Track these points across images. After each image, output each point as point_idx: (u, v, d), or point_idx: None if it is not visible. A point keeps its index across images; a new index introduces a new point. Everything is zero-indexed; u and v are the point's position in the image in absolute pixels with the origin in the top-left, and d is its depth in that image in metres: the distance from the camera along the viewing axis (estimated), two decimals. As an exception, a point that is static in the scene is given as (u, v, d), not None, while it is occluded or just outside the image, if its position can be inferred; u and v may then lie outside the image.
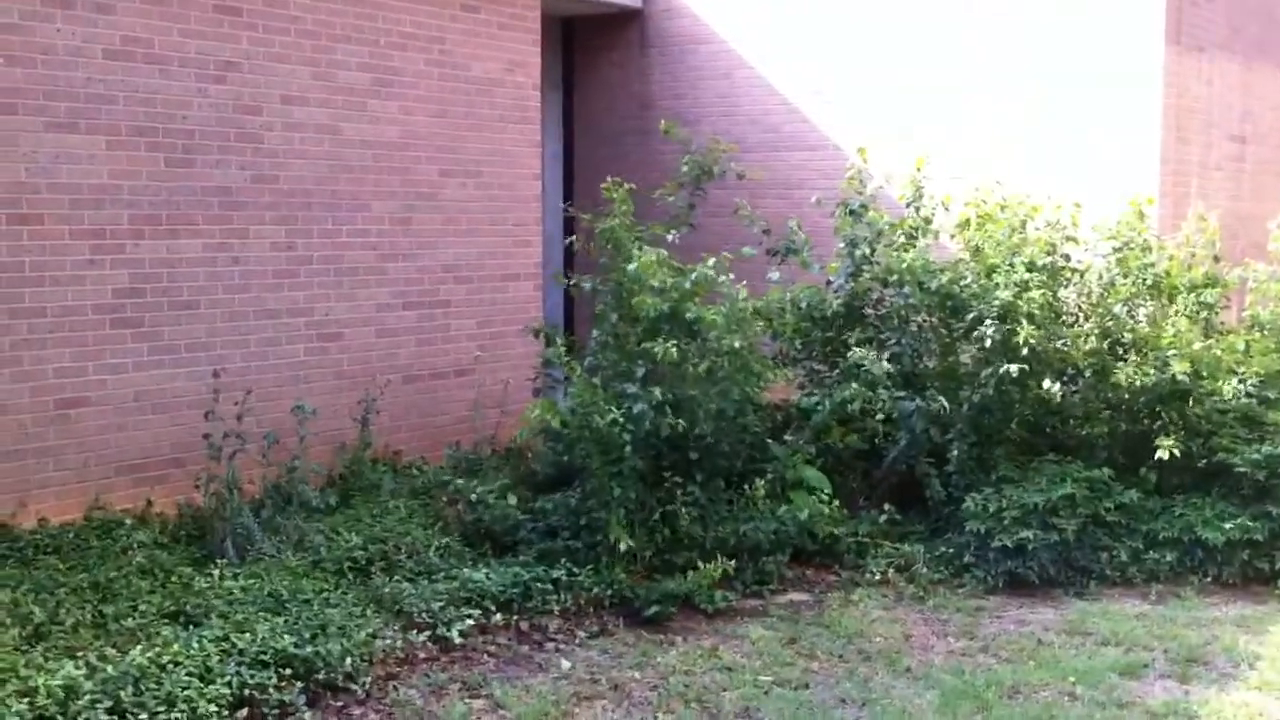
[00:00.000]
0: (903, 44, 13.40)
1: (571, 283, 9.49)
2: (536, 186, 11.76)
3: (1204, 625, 8.17)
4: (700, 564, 8.34)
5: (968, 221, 10.56)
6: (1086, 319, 10.28)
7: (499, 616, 7.77)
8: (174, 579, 7.52)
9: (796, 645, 7.78)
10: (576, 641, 7.78)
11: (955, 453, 9.48)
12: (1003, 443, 9.79)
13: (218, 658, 6.47)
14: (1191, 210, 11.70)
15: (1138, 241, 10.42)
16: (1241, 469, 9.09)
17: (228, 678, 6.33)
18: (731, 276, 9.08)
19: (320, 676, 6.67)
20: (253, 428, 8.67)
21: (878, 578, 8.98)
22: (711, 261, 8.94)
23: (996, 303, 9.50)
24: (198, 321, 9.08)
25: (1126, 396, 9.55)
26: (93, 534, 8.09)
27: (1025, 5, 12.82)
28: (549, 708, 6.74)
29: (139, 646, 6.41)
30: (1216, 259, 10.87)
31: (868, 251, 10.47)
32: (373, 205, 10.24)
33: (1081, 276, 10.32)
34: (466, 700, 6.82)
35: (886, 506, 9.60)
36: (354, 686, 6.76)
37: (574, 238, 9.34)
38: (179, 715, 6.00)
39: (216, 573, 7.63)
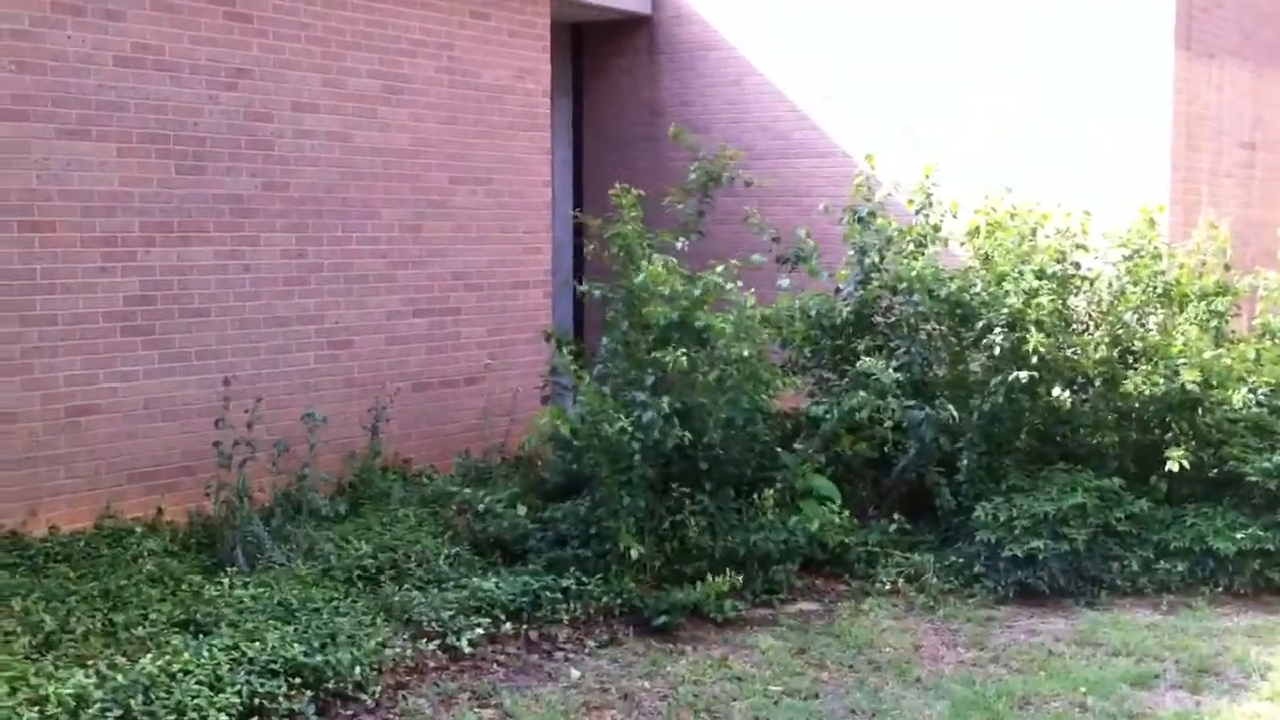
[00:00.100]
0: (908, 45, 13.41)
1: (583, 288, 9.48)
2: (546, 193, 11.76)
3: (1215, 636, 8.15)
4: (709, 574, 8.33)
5: (977, 229, 10.56)
6: (1097, 327, 10.27)
7: (508, 625, 7.75)
8: (184, 587, 7.52)
9: (806, 655, 7.77)
10: (586, 651, 7.77)
11: (965, 462, 9.46)
12: (1013, 452, 9.79)
13: (228, 666, 6.45)
14: (1202, 218, 11.69)
15: (1148, 249, 10.41)
16: (1253, 478, 9.07)
17: (238, 686, 6.32)
18: (740, 284, 9.07)
19: (330, 685, 6.66)
20: (263, 435, 8.67)
21: (888, 587, 8.96)
22: (720, 269, 8.94)
23: (1005, 310, 9.50)
24: (208, 329, 9.09)
25: (1136, 405, 9.53)
26: (103, 542, 8.09)
27: (1033, 10, 12.81)
28: (558, 717, 6.73)
29: (149, 655, 6.40)
30: (1227, 267, 10.86)
31: (877, 259, 10.47)
32: (383, 212, 10.24)
33: (1092, 284, 10.30)
34: (476, 709, 6.81)
35: (896, 516, 9.58)
36: (363, 695, 6.75)
37: (591, 246, 9.31)
38: (189, 724, 6.01)
39: (226, 581, 7.63)
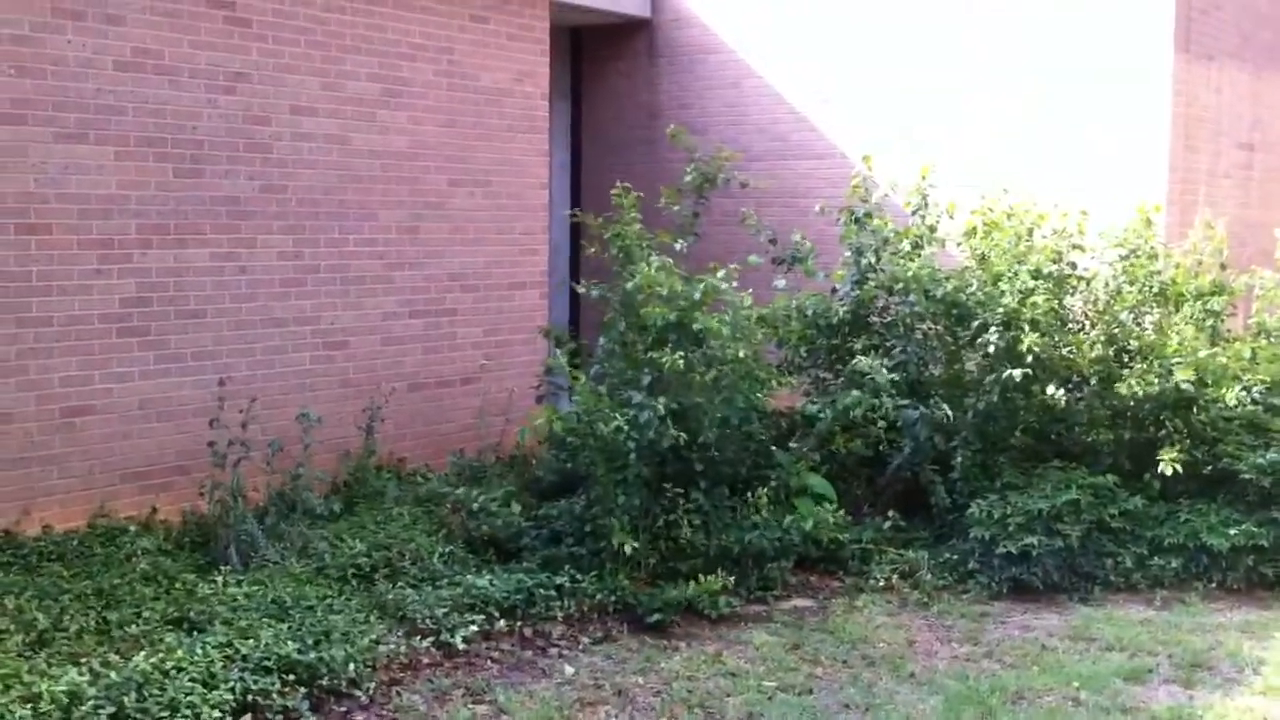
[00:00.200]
0: (907, 49, 13.41)
1: (581, 289, 9.51)
2: (544, 196, 11.80)
3: (1208, 631, 8.16)
4: (704, 571, 8.36)
5: (974, 230, 10.59)
6: (1093, 326, 10.28)
7: (503, 623, 7.78)
8: (178, 586, 7.54)
9: (800, 651, 7.78)
10: (580, 647, 7.79)
11: (960, 459, 9.49)
12: (1007, 449, 9.81)
13: (221, 664, 6.47)
14: (1199, 218, 11.69)
15: (1145, 249, 10.43)
16: (1247, 475, 9.09)
17: (231, 684, 6.34)
18: (736, 284, 9.09)
19: (324, 682, 6.68)
20: (258, 435, 8.71)
21: (882, 584, 8.98)
22: (721, 273, 8.96)
23: (1000, 310, 9.52)
24: (204, 330, 9.12)
25: (1131, 404, 9.54)
26: (97, 541, 8.13)
27: (1032, 13, 12.83)
28: (552, 713, 6.74)
29: (142, 653, 6.43)
30: (1223, 266, 10.87)
31: (873, 260, 10.50)
32: (380, 214, 10.28)
33: (1088, 284, 10.32)
34: (470, 706, 6.83)
35: (891, 513, 9.61)
36: (357, 692, 6.77)
37: (592, 250, 9.34)
38: (182, 721, 6.03)
39: (220, 579, 7.66)
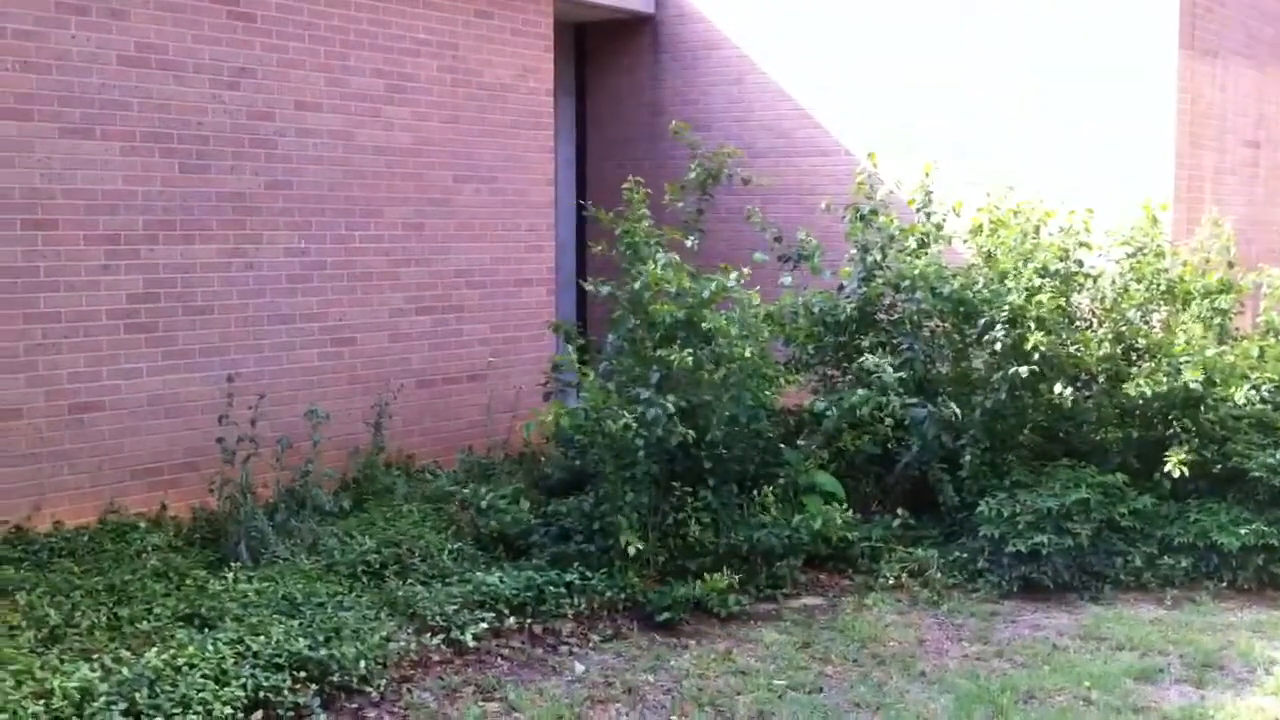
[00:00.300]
0: (912, 45, 13.39)
1: (589, 286, 9.48)
2: (549, 192, 11.78)
3: (1219, 630, 8.15)
4: (713, 569, 8.34)
5: (980, 227, 10.58)
6: (1100, 324, 10.27)
7: (512, 620, 7.76)
8: (188, 582, 7.53)
9: (810, 649, 7.77)
10: (590, 645, 7.78)
11: (968, 458, 9.47)
12: (1016, 448, 9.80)
13: (232, 660, 6.46)
14: (1205, 216, 11.69)
15: (1151, 247, 10.42)
16: (1257, 474, 9.07)
17: (242, 680, 6.32)
18: (744, 280, 9.07)
19: (334, 679, 6.66)
20: (266, 432, 8.70)
21: (891, 582, 8.97)
22: (734, 275, 8.93)
23: (1006, 307, 9.50)
24: (212, 326, 9.10)
25: (1140, 403, 9.52)
26: (107, 537, 8.12)
27: (1035, 10, 12.81)
28: (563, 710, 6.73)
29: (154, 649, 6.42)
30: (1231, 264, 10.86)
31: (879, 257, 10.48)
32: (386, 211, 10.26)
33: (1095, 282, 10.31)
34: (480, 703, 6.82)
35: (900, 511, 9.59)
36: (368, 689, 6.75)
37: (599, 247, 9.31)
38: (194, 717, 5.99)
39: (231, 576, 7.65)
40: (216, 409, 8.66)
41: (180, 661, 6.33)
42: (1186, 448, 9.17)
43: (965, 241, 10.67)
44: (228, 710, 6.11)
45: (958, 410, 9.43)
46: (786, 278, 10.47)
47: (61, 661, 6.27)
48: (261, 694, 6.34)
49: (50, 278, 8.25)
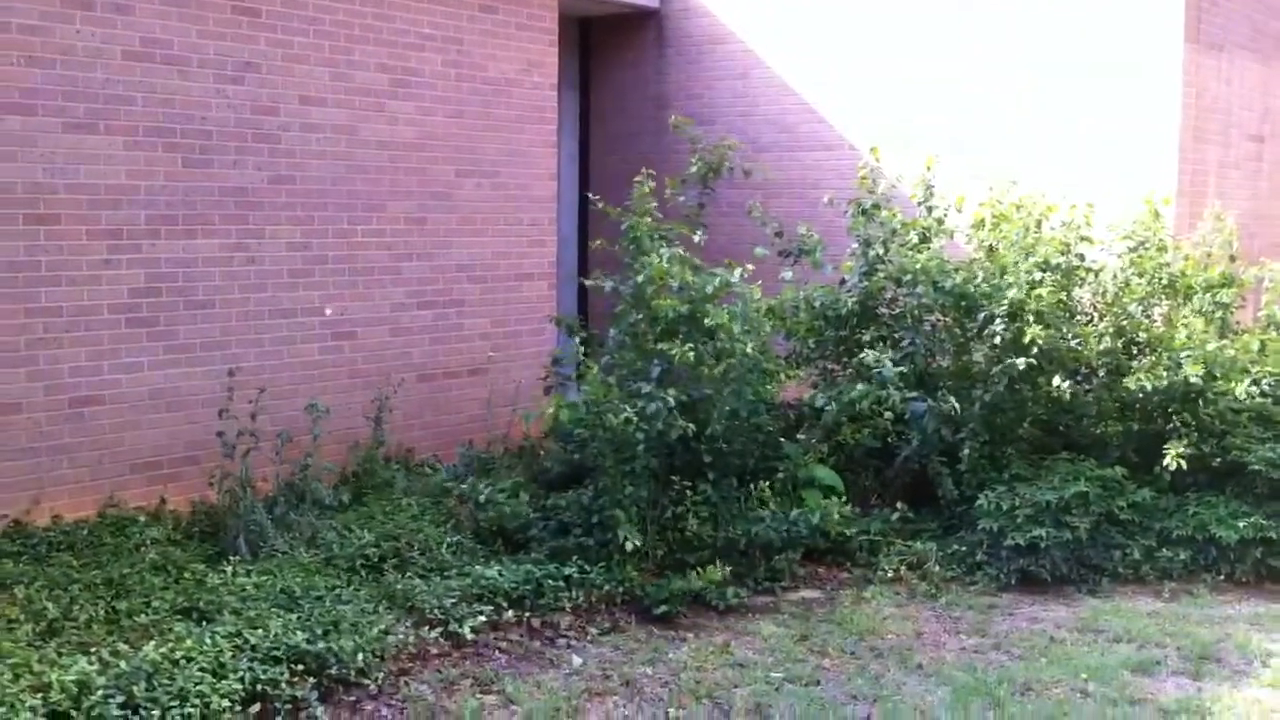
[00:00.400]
0: (917, 39, 13.38)
1: (590, 282, 9.50)
2: (552, 187, 11.79)
3: (1217, 623, 8.16)
4: (711, 563, 8.36)
5: (982, 221, 10.58)
6: (1101, 318, 10.27)
7: (511, 613, 7.78)
8: (187, 575, 7.56)
9: (808, 642, 7.78)
10: (588, 638, 7.80)
11: (967, 451, 9.47)
12: (1015, 441, 9.80)
13: (230, 653, 6.48)
14: (1208, 210, 11.67)
15: (1153, 241, 10.41)
16: (1256, 468, 9.07)
17: (240, 673, 6.35)
18: (746, 276, 9.08)
19: (333, 672, 6.68)
20: (266, 426, 8.73)
21: (890, 575, 8.97)
22: (737, 271, 8.94)
23: (1005, 301, 9.50)
24: (213, 320, 9.13)
25: (1140, 396, 9.52)
26: (106, 531, 8.14)
27: (1037, 4, 12.79)
28: (560, 703, 6.75)
29: (152, 642, 6.43)
30: (1233, 258, 10.85)
31: (881, 251, 10.48)
32: (388, 205, 10.28)
33: (1096, 276, 10.31)
34: (478, 696, 6.84)
35: (899, 504, 9.58)
36: (366, 682, 6.77)
37: (597, 242, 9.33)
38: (191, 711, 6.01)
39: (229, 569, 7.67)
40: (217, 403, 8.69)
41: (178, 655, 6.34)
42: (1185, 441, 9.17)
43: (968, 237, 10.67)
44: (225, 703, 6.13)
45: (957, 404, 9.43)
46: (787, 272, 10.47)
47: (59, 655, 6.29)
48: (259, 687, 6.36)
49: (52, 272, 8.29)
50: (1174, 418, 9.51)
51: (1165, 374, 9.33)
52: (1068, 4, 12.65)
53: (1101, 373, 9.90)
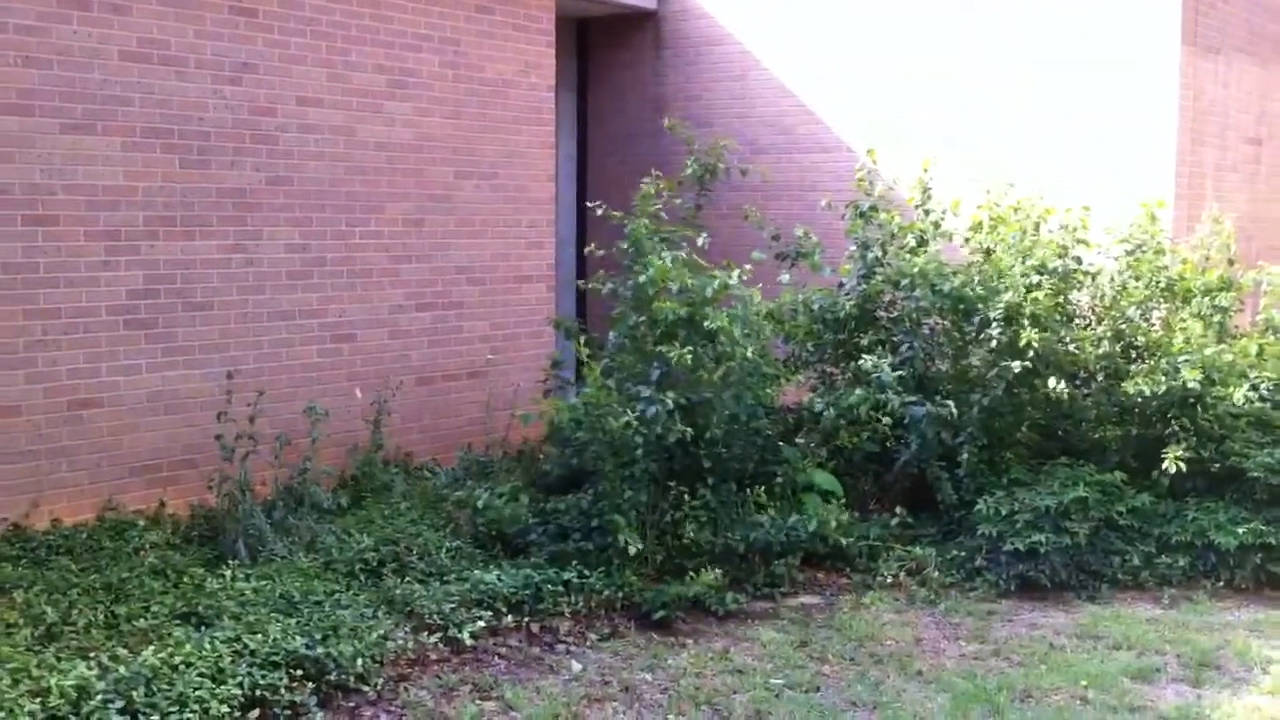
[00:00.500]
0: (917, 41, 13.37)
1: (590, 284, 9.48)
2: (550, 188, 11.78)
3: (1216, 629, 8.15)
4: (710, 567, 8.35)
5: (980, 224, 10.57)
6: (1100, 321, 10.26)
7: (510, 618, 7.77)
8: (186, 580, 7.54)
9: (807, 648, 7.77)
10: (587, 644, 7.78)
11: (966, 456, 9.47)
12: (1014, 446, 9.81)
13: (229, 658, 6.46)
14: (1206, 213, 11.68)
15: (1151, 244, 10.42)
16: (1255, 474, 9.07)
17: (239, 678, 6.33)
18: (746, 278, 9.07)
19: (332, 677, 6.67)
20: (265, 429, 8.70)
21: (889, 581, 8.97)
22: (736, 272, 8.93)
23: (1001, 305, 9.50)
24: (211, 323, 9.11)
25: (1139, 401, 9.52)
26: (105, 535, 8.12)
27: (1038, 4, 12.79)
28: (560, 709, 6.73)
29: (151, 647, 6.41)
30: (1231, 261, 10.85)
31: (880, 254, 10.47)
32: (387, 207, 10.26)
33: (1094, 279, 10.30)
34: (477, 702, 6.83)
35: (898, 509, 9.59)
36: (365, 687, 6.76)
37: (590, 246, 9.32)
38: (191, 716, 6.00)
39: (228, 574, 7.64)
40: (215, 406, 8.67)
41: (177, 660, 6.33)
42: (1184, 446, 9.16)
43: (966, 239, 10.67)
44: (224, 709, 6.11)
45: (954, 408, 9.42)
46: (785, 275, 10.46)
47: (58, 659, 6.27)
48: (258, 692, 6.35)
49: (50, 274, 8.26)
50: (1172, 423, 9.50)
51: (1163, 379, 9.33)
52: (1067, 7, 12.64)
53: (1100, 377, 9.91)
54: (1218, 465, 9.33)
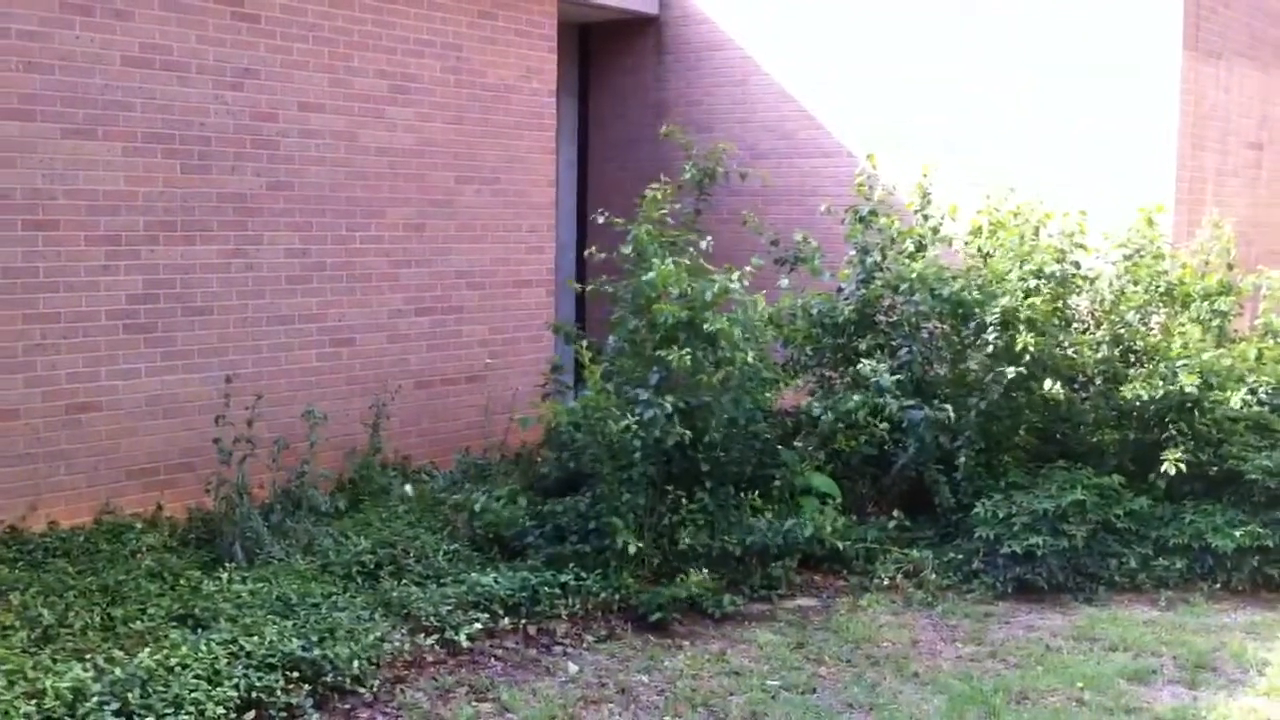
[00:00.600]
0: (916, 46, 13.39)
1: (589, 286, 9.50)
2: (551, 193, 11.80)
3: (1213, 631, 8.15)
4: (706, 570, 8.36)
5: (979, 229, 10.59)
6: (1098, 326, 10.27)
7: (507, 621, 7.78)
8: (183, 582, 7.55)
9: (804, 650, 7.78)
10: (584, 646, 7.79)
11: (964, 459, 9.47)
12: (1012, 449, 9.81)
13: (226, 660, 6.48)
14: (1206, 217, 11.68)
15: (1150, 249, 10.42)
16: (1253, 476, 9.07)
17: (235, 680, 6.35)
18: (746, 283, 9.08)
19: (328, 679, 6.68)
20: (263, 433, 8.73)
21: (886, 583, 8.97)
22: (736, 275, 8.94)
23: (998, 309, 9.51)
24: (210, 327, 9.14)
25: (1137, 405, 9.52)
26: (102, 537, 8.15)
27: (1039, 9, 12.80)
28: (556, 711, 6.74)
29: (147, 649, 6.44)
30: (1230, 266, 10.85)
31: (879, 258, 10.49)
32: (387, 212, 10.29)
33: (1092, 284, 10.31)
34: (474, 704, 6.83)
35: (895, 512, 9.59)
36: (361, 689, 6.77)
37: (590, 250, 9.34)
38: (186, 718, 6.01)
39: (225, 576, 7.67)
40: (214, 410, 8.68)
41: (173, 662, 6.35)
42: (1182, 449, 9.17)
43: (965, 243, 10.68)
44: (220, 711, 6.12)
45: (952, 412, 9.43)
46: (784, 280, 10.48)
47: (54, 661, 6.29)
48: (254, 694, 6.36)
49: (50, 278, 8.29)
50: (1170, 427, 9.50)
51: (1161, 383, 9.34)
52: (1067, 11, 12.65)
53: (1098, 381, 9.91)
54: (1215, 468, 9.34)
